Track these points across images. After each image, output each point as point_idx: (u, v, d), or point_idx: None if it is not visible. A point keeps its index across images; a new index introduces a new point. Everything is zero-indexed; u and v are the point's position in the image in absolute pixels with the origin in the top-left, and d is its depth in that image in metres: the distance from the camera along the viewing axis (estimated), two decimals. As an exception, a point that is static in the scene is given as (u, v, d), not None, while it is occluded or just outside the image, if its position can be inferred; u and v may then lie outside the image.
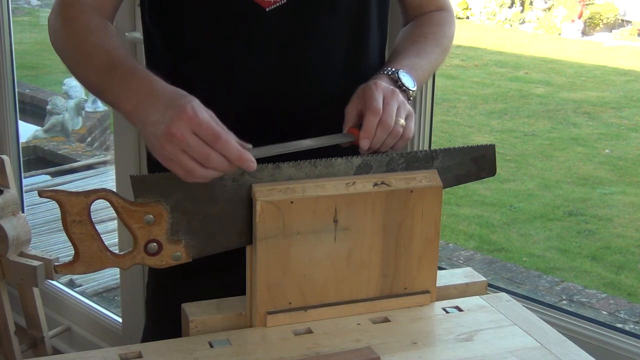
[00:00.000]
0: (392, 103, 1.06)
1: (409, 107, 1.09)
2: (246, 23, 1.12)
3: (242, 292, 1.05)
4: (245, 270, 1.03)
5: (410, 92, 1.12)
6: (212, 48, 1.13)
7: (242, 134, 0.96)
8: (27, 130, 6.01)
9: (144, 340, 1.24)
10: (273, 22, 1.11)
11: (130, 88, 0.98)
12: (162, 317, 1.25)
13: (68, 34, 1.12)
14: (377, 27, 1.22)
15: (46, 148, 5.78)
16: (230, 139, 0.93)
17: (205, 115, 0.93)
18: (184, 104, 0.93)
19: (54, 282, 2.71)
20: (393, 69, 1.13)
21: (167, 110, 0.93)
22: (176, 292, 1.18)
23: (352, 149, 1.08)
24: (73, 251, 0.96)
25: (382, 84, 1.08)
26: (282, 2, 1.11)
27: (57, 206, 0.94)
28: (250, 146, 0.96)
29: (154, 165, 1.19)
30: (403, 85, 1.11)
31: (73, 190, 0.94)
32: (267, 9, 1.11)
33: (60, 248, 3.57)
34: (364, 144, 1.04)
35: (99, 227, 0.96)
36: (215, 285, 1.14)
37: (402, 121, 1.06)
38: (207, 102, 0.96)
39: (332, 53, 1.17)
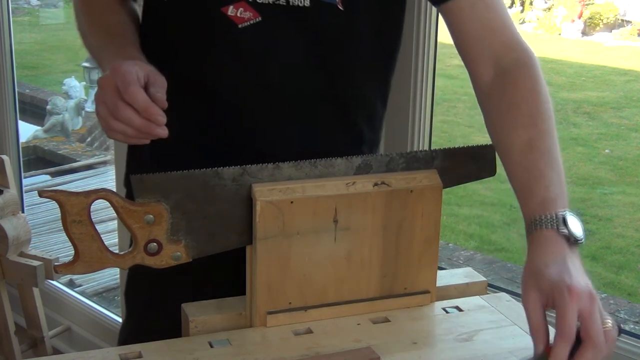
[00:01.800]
0: (594, 316, 0.85)
1: (599, 304, 0.87)
2: (218, 38, 1.10)
3: (221, 292, 1.06)
4: (217, 273, 1.03)
5: (580, 243, 0.93)
6: (184, 61, 1.13)
7: (216, 145, 1.01)
8: (27, 130, 6.01)
9: (124, 340, 1.22)
10: (245, 39, 1.09)
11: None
12: (140, 316, 1.26)
13: (81, 24, 1.19)
14: (367, 59, 1.15)
15: (46, 148, 5.79)
16: (140, 91, 0.93)
17: (130, 67, 0.95)
18: (114, 64, 0.96)
19: (54, 282, 2.71)
20: (555, 215, 0.92)
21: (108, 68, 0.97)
22: (152, 291, 1.19)
23: (352, 149, 1.08)
24: (73, 251, 0.96)
25: (577, 287, 0.86)
26: (257, 20, 1.08)
27: (57, 206, 0.94)
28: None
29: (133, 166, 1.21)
30: (573, 236, 0.92)
31: (73, 190, 0.94)
32: (240, 26, 1.08)
33: (60, 248, 3.57)
34: None
35: (99, 227, 0.96)
36: (200, 285, 1.14)
37: (608, 325, 0.86)
38: (181, 114, 0.97)
39: (305, 73, 1.12)
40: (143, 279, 1.20)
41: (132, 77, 0.94)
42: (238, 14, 1.08)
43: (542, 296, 0.88)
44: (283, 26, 1.09)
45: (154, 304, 1.22)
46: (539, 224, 0.93)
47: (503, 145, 1.03)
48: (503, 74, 1.06)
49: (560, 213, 0.93)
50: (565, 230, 0.92)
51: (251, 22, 1.08)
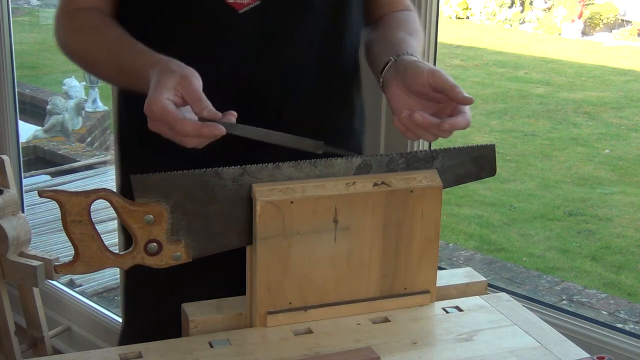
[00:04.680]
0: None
1: None
2: (219, 26, 1.12)
3: (219, 293, 1.06)
4: (213, 274, 1.03)
5: None
6: (185, 51, 1.12)
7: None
8: (27, 130, 6.01)
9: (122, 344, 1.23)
10: (247, 24, 1.11)
11: (139, 73, 1.03)
12: (140, 320, 1.26)
13: (74, 42, 1.17)
14: (355, 26, 1.22)
15: (46, 148, 5.79)
16: (185, 122, 0.95)
17: (160, 102, 0.95)
18: (149, 96, 0.96)
19: (54, 282, 2.71)
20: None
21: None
22: (153, 295, 1.19)
23: (351, 149, 1.08)
24: (73, 251, 0.96)
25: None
26: (256, 3, 1.11)
27: (57, 206, 0.94)
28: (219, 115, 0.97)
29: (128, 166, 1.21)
30: None
31: (73, 190, 0.94)
32: (240, 11, 1.11)
33: (60, 248, 3.57)
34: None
35: (99, 227, 0.96)
36: (195, 285, 1.14)
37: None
38: None
39: (308, 53, 1.17)
40: (143, 280, 1.21)
41: (170, 115, 0.95)
42: (238, 0, 1.10)
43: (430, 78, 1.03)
44: (281, 6, 1.12)
45: (154, 306, 1.23)
46: (404, 54, 1.09)
47: (382, 36, 1.20)
48: (393, 14, 1.26)
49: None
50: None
51: (250, 6, 1.11)
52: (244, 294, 1.03)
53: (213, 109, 0.96)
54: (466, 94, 1.01)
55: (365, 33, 1.26)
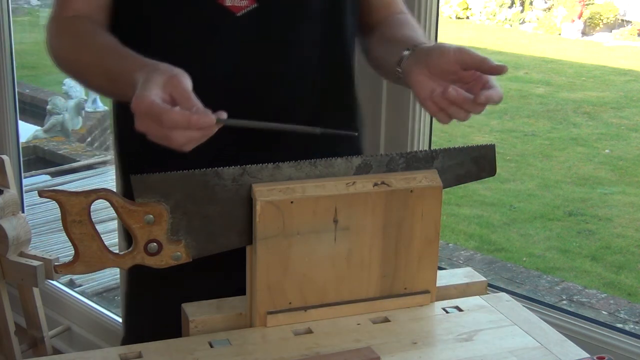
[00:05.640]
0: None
1: None
2: (218, 29, 1.11)
3: (221, 294, 1.05)
4: (220, 274, 1.03)
5: None
6: (182, 54, 1.11)
7: (223, 135, 0.96)
8: (27, 130, 6.01)
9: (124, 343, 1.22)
10: (244, 27, 1.11)
11: (125, 78, 1.00)
12: (141, 321, 1.25)
13: (64, 50, 1.15)
14: (352, 28, 1.22)
15: (46, 148, 5.79)
16: (172, 112, 0.90)
17: (147, 100, 0.92)
18: (136, 93, 0.93)
19: (54, 282, 2.71)
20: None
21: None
22: (157, 295, 1.19)
23: (351, 149, 1.08)
24: (73, 251, 0.96)
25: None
26: (253, 6, 1.11)
27: (57, 206, 0.94)
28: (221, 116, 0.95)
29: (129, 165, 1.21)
30: None
31: (73, 190, 0.94)
32: (238, 14, 1.10)
33: (60, 248, 3.57)
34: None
35: (99, 227, 0.96)
36: (196, 286, 1.14)
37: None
38: None
39: (305, 56, 1.16)
40: (145, 281, 1.20)
41: (157, 107, 0.91)
42: (235, 3, 1.10)
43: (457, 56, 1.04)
44: (278, 9, 1.12)
45: (158, 307, 1.22)
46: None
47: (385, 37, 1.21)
48: (393, 17, 1.26)
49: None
50: None
51: (248, 9, 1.11)
52: (244, 294, 1.03)
53: (202, 106, 0.93)
54: (498, 63, 1.01)
55: (362, 38, 1.26)
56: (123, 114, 1.26)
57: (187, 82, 0.95)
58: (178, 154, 1.00)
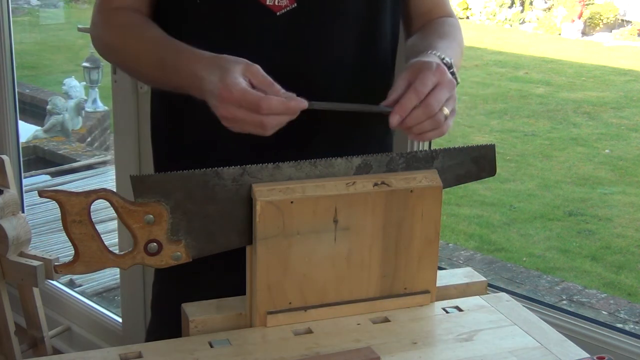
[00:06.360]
0: (444, 90, 1.03)
1: (456, 103, 1.07)
2: (257, 28, 1.12)
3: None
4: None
5: (457, 84, 1.09)
6: (222, 51, 1.12)
7: (253, 136, 1.00)
8: (27, 130, 6.01)
9: (147, 341, 1.24)
10: (284, 26, 1.12)
11: (182, 69, 1.04)
12: (166, 318, 1.25)
13: (114, 38, 1.17)
14: (390, 30, 1.22)
15: (46, 148, 5.79)
16: (269, 99, 0.96)
17: (239, 87, 0.96)
18: (220, 82, 0.97)
19: (54, 282, 2.71)
20: (445, 57, 1.09)
21: (211, 89, 0.98)
22: (181, 292, 1.18)
23: (351, 149, 1.08)
24: (73, 251, 0.96)
25: (444, 68, 1.04)
26: (293, 6, 1.12)
27: (57, 206, 0.94)
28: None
29: (161, 165, 1.21)
30: (454, 75, 1.08)
31: (73, 190, 0.94)
32: (278, 13, 1.12)
33: (60, 248, 3.57)
34: (394, 119, 1.01)
35: (99, 227, 0.96)
36: (220, 285, 1.14)
37: (446, 111, 1.04)
38: None
39: (343, 56, 1.17)
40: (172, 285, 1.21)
41: (252, 95, 0.96)
42: (275, 2, 1.12)
43: (412, 75, 1.04)
44: (317, 9, 1.13)
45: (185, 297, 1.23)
46: (428, 55, 1.08)
47: (417, 42, 1.20)
48: (434, 21, 1.27)
49: (448, 59, 1.08)
50: (448, 60, 1.08)
51: (288, 8, 1.12)
52: (244, 294, 1.03)
53: (285, 91, 0.98)
54: (394, 119, 1.02)
55: (406, 42, 1.27)
56: (168, 107, 1.25)
57: (262, 70, 1.00)
58: (220, 147, 1.05)
